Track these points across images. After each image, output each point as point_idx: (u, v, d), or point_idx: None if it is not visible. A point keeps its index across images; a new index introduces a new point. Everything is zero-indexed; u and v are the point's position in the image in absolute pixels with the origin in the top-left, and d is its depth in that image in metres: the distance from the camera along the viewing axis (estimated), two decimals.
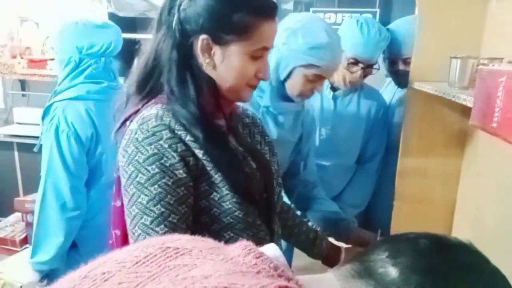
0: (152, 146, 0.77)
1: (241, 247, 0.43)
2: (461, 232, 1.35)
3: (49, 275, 1.44)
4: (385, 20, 2.15)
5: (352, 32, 1.54)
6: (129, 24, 2.81)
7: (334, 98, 1.61)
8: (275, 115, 1.26)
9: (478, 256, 0.40)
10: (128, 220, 0.79)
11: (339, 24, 1.70)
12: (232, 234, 0.83)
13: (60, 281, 0.43)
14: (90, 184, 1.48)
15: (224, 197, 0.81)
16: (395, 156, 1.39)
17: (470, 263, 0.39)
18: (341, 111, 1.60)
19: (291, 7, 2.50)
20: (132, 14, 2.70)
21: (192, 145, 0.79)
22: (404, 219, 1.39)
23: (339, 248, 1.23)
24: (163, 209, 0.76)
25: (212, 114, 0.86)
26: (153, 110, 0.81)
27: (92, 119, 1.45)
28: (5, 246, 2.38)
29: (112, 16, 2.61)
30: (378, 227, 1.63)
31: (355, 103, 1.62)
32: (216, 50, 0.81)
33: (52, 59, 2.02)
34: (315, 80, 1.20)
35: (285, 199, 1.31)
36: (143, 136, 0.77)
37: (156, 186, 0.76)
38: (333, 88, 1.62)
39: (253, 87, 0.87)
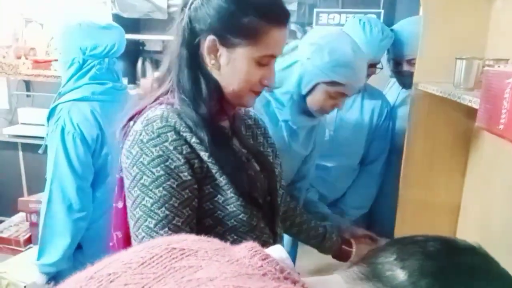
0: (157, 148, 0.76)
1: (247, 248, 0.43)
2: (465, 234, 1.34)
3: (55, 277, 1.44)
4: (389, 21, 2.15)
5: (355, 32, 1.54)
6: (133, 25, 2.82)
7: None
8: (293, 129, 1.25)
9: (487, 259, 0.40)
10: (131, 223, 0.79)
11: (343, 25, 1.70)
12: (235, 237, 0.83)
13: (66, 282, 0.43)
14: (96, 185, 1.49)
15: (229, 200, 0.81)
16: (399, 157, 1.39)
17: (479, 266, 0.39)
18: (344, 112, 1.60)
19: (295, 7, 2.49)
20: (136, 15, 2.71)
21: (198, 147, 0.79)
22: (408, 221, 1.38)
23: (350, 242, 1.23)
24: (167, 212, 0.76)
25: (217, 116, 0.85)
26: (158, 111, 0.80)
27: (97, 120, 1.46)
28: (9, 246, 2.38)
29: (116, 17, 2.62)
30: (381, 228, 1.63)
31: (358, 104, 1.61)
32: (223, 52, 0.80)
33: (57, 60, 2.02)
34: (337, 97, 1.19)
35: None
36: (148, 138, 0.77)
37: (160, 188, 0.75)
38: None
39: (257, 93, 0.86)
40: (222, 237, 0.82)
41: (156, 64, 2.97)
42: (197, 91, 0.82)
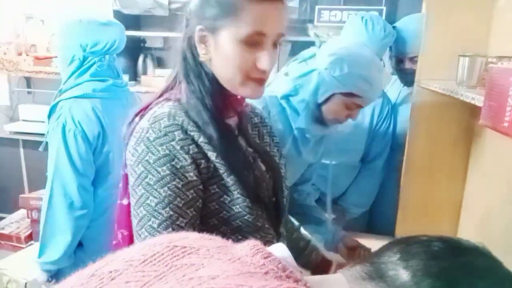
0: (164, 147, 0.75)
1: (249, 246, 0.43)
2: (467, 233, 1.33)
3: (56, 275, 1.44)
4: (391, 18, 2.14)
5: (357, 29, 1.53)
6: (134, 21, 2.81)
7: None
8: (305, 137, 1.25)
9: (491, 260, 0.39)
10: (134, 221, 0.78)
11: (345, 22, 1.69)
12: (240, 237, 0.81)
13: (67, 280, 0.43)
14: (97, 183, 1.48)
15: (235, 201, 0.79)
16: (401, 155, 1.38)
17: (484, 267, 0.38)
18: None
19: (297, 4, 2.49)
20: (137, 11, 2.70)
21: (205, 147, 0.77)
22: (409, 220, 1.38)
23: (330, 262, 1.22)
24: (171, 212, 0.74)
25: (224, 113, 0.83)
26: (165, 108, 0.78)
27: (98, 118, 1.45)
28: (10, 243, 2.39)
29: (117, 14, 2.62)
30: (382, 227, 1.63)
31: None
32: (210, 39, 0.77)
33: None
34: (352, 108, 1.19)
35: None
36: (155, 136, 0.75)
37: (165, 188, 0.74)
38: None
39: (259, 81, 0.79)
40: (227, 237, 0.80)
41: (157, 61, 2.96)
42: (199, 86, 0.80)
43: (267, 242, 0.85)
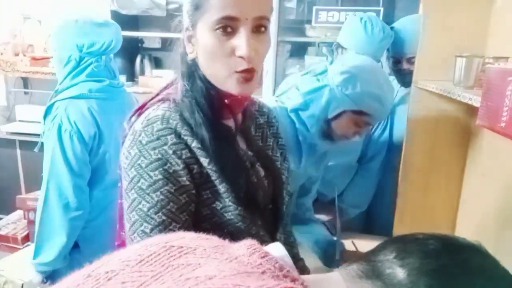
0: (156, 151, 0.73)
1: (246, 246, 0.43)
2: (464, 233, 1.34)
3: (51, 276, 1.43)
4: (388, 19, 2.14)
5: (356, 30, 1.53)
6: (132, 22, 2.80)
7: None
8: (312, 151, 1.25)
9: (487, 258, 0.39)
10: (127, 225, 0.76)
11: (343, 23, 1.69)
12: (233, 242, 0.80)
13: (64, 281, 0.43)
14: (93, 183, 1.48)
15: (227, 208, 0.77)
16: (398, 156, 1.39)
17: (480, 265, 0.38)
18: None
19: (294, 5, 2.49)
20: (134, 12, 2.70)
21: (198, 152, 0.75)
22: (407, 220, 1.38)
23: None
24: (164, 217, 0.73)
25: (221, 114, 0.80)
26: (159, 111, 0.77)
27: (94, 118, 1.45)
28: (7, 244, 2.38)
29: (115, 14, 2.61)
30: (380, 227, 1.63)
31: None
32: (193, 35, 0.76)
33: None
34: (362, 125, 1.20)
35: None
36: (147, 140, 0.74)
37: (158, 193, 0.73)
38: None
39: (245, 74, 0.73)
40: None
41: (154, 62, 2.96)
42: (192, 86, 0.78)
43: None
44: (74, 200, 1.39)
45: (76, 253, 1.47)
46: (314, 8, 2.38)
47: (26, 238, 2.37)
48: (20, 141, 3.03)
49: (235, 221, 0.78)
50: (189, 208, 0.76)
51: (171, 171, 0.73)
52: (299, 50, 2.59)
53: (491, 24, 1.19)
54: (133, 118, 0.81)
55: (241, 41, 0.71)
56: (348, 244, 1.51)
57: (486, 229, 1.17)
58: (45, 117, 1.48)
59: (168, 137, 0.74)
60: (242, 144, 0.84)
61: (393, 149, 1.62)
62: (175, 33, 0.81)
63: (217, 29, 0.71)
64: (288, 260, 0.43)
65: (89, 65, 1.48)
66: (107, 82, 1.52)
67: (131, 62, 2.91)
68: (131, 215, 0.75)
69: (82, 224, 1.44)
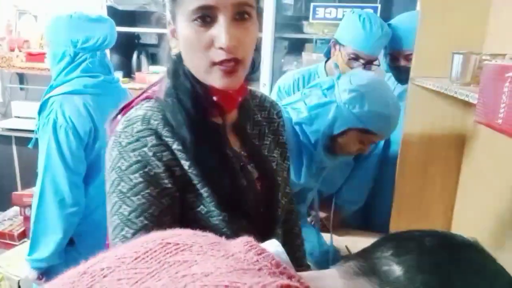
0: (136, 153, 0.70)
1: (243, 243, 0.43)
2: (460, 229, 1.34)
3: (46, 272, 1.43)
4: (386, 15, 2.14)
5: (354, 27, 1.53)
6: (128, 17, 2.79)
7: None
8: (316, 164, 1.25)
9: (484, 255, 0.39)
10: (109, 230, 0.73)
11: (340, 19, 1.69)
12: None
13: (59, 278, 0.42)
14: (88, 179, 1.47)
15: (212, 213, 0.73)
16: (395, 152, 1.39)
17: (477, 262, 0.38)
18: None
19: (292, 1, 2.48)
20: (131, 7, 2.68)
21: (179, 154, 0.71)
22: (404, 216, 1.39)
23: None
24: (146, 222, 0.69)
25: (208, 112, 0.75)
26: (141, 111, 0.73)
27: (90, 114, 1.44)
28: (3, 240, 2.38)
29: (111, 9, 2.60)
30: (377, 223, 1.63)
31: None
32: (175, 28, 0.73)
33: None
34: (366, 143, 1.20)
35: None
36: (127, 141, 0.70)
37: (139, 196, 0.69)
38: None
39: (224, 64, 0.68)
40: None
41: (151, 58, 2.95)
42: (176, 82, 0.74)
43: None
44: (69, 196, 1.38)
45: (72, 249, 1.47)
46: (312, 4, 2.37)
47: (23, 235, 2.36)
48: (16, 137, 3.02)
49: (220, 226, 0.74)
50: (173, 211, 0.72)
51: (151, 173, 0.70)
52: (296, 47, 2.59)
53: (488, 21, 1.19)
54: (119, 117, 0.77)
55: (219, 31, 0.66)
56: (342, 247, 1.50)
57: (483, 225, 1.18)
58: (39, 112, 1.47)
59: (148, 138, 0.70)
60: (235, 143, 0.80)
61: (390, 145, 1.62)
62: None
63: (195, 19, 0.67)
64: (285, 257, 0.43)
65: (83, 60, 1.48)
66: (102, 78, 1.51)
67: (128, 58, 2.89)
68: (112, 219, 0.72)
69: (78, 220, 1.43)
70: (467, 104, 1.22)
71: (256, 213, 0.79)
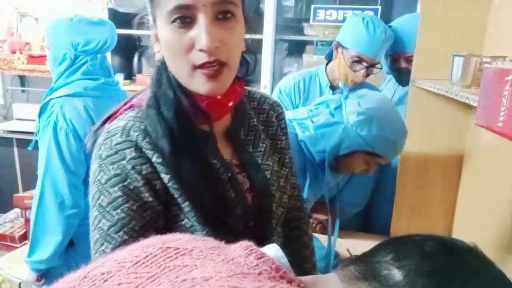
0: (115, 166, 0.66)
1: (243, 247, 0.43)
2: (461, 232, 1.34)
3: (46, 274, 1.43)
4: (386, 18, 2.14)
5: (357, 29, 1.53)
6: (129, 20, 2.79)
7: None
8: (320, 180, 1.25)
9: (484, 260, 0.39)
10: (91, 244, 0.70)
11: (341, 21, 1.69)
12: None
13: (59, 282, 0.42)
14: (88, 181, 1.47)
15: (195, 227, 0.69)
16: None
17: (477, 267, 0.38)
18: None
19: (292, 3, 2.48)
20: (132, 10, 2.68)
21: (159, 167, 0.67)
22: (404, 219, 1.39)
23: None
24: (126, 237, 0.65)
25: (195, 120, 0.70)
26: (121, 122, 0.69)
27: (90, 116, 1.44)
28: (4, 242, 2.38)
29: (112, 12, 2.60)
30: (377, 226, 1.63)
31: None
32: (157, 33, 0.69)
33: None
34: (371, 165, 1.19)
35: None
36: (106, 154, 0.67)
37: (118, 210, 0.66)
38: (332, 87, 1.61)
39: (206, 67, 0.64)
40: None
41: (152, 60, 2.95)
42: (157, 90, 0.71)
43: None
44: (69, 198, 1.39)
45: (71, 251, 1.47)
46: (312, 6, 2.37)
47: (24, 237, 2.36)
48: (17, 140, 3.03)
49: None
50: (155, 225, 0.68)
51: (131, 187, 0.66)
52: (297, 49, 2.59)
53: (488, 23, 1.19)
54: (106, 126, 0.73)
55: (199, 31, 0.62)
56: (343, 250, 1.50)
57: (483, 227, 1.18)
58: (40, 115, 1.48)
59: (127, 151, 0.67)
60: (226, 151, 0.75)
61: None
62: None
63: (174, 21, 0.62)
64: (285, 261, 0.43)
65: (84, 63, 1.48)
66: (102, 80, 1.51)
67: (129, 60, 2.90)
68: (93, 233, 0.69)
69: (77, 222, 1.43)
70: (467, 107, 1.22)
71: (245, 227, 0.74)
